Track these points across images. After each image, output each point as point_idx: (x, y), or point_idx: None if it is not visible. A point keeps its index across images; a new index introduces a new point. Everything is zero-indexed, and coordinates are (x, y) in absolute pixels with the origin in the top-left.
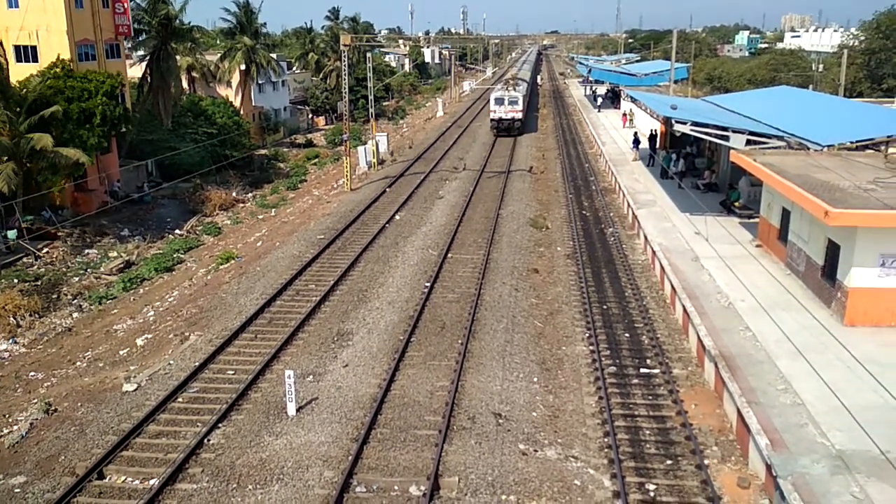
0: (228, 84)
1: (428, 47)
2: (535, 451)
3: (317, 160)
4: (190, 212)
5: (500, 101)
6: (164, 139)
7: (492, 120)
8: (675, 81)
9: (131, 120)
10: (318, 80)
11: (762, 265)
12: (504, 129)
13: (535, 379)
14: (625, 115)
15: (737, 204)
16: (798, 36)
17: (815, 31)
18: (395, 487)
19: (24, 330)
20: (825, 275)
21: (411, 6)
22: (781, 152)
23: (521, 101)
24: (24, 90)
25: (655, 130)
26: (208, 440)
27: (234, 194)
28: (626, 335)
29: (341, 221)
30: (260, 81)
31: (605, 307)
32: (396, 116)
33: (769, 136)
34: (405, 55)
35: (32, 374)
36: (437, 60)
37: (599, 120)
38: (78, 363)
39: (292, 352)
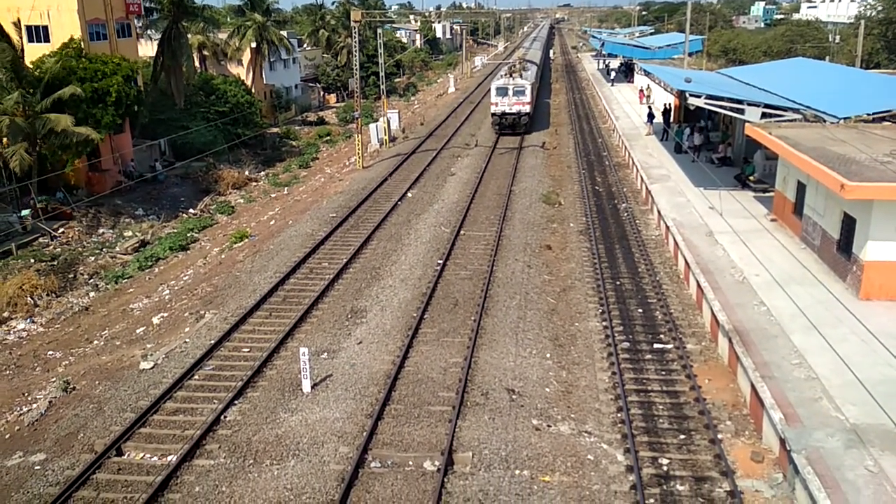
0: (240, 62)
1: (439, 22)
2: (549, 426)
3: (328, 138)
4: (203, 191)
5: (503, 92)
6: (177, 118)
7: (493, 115)
8: (690, 54)
9: (143, 102)
10: (329, 58)
11: (777, 239)
12: (508, 125)
13: (549, 355)
14: (641, 91)
15: (752, 178)
16: (814, 6)
17: (832, 1)
18: (410, 463)
19: (41, 309)
20: (840, 248)
21: None
22: (797, 125)
23: (528, 91)
24: (38, 70)
25: (669, 104)
26: (225, 417)
27: (246, 173)
28: (640, 311)
29: (354, 199)
30: (271, 59)
31: (618, 283)
32: (408, 93)
33: (785, 109)
34: (416, 31)
35: (50, 353)
36: (448, 36)
37: (613, 94)
38: (95, 342)
39: (307, 329)
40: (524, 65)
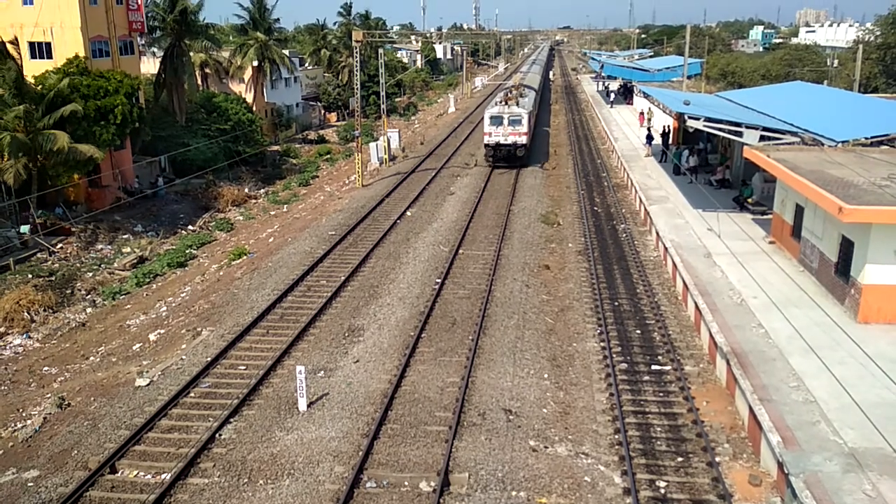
0: (241, 80)
1: (440, 43)
2: (546, 447)
3: (329, 156)
4: (202, 208)
5: (497, 120)
6: (178, 135)
7: (486, 145)
8: (689, 77)
9: (145, 119)
10: (331, 77)
11: (775, 262)
12: (502, 157)
13: (546, 375)
14: (642, 114)
15: (750, 200)
16: (813, 31)
17: (831, 25)
18: (406, 483)
19: (38, 325)
20: (839, 271)
21: (423, 2)
22: (795, 148)
23: (525, 120)
24: (41, 87)
25: (668, 126)
26: (220, 435)
27: (246, 190)
28: (638, 332)
29: (353, 217)
30: (272, 77)
31: (616, 304)
32: (408, 112)
33: (783, 132)
34: (417, 51)
35: (46, 368)
36: (449, 56)
37: (612, 116)
38: (91, 358)
39: (303, 347)
40: (521, 90)
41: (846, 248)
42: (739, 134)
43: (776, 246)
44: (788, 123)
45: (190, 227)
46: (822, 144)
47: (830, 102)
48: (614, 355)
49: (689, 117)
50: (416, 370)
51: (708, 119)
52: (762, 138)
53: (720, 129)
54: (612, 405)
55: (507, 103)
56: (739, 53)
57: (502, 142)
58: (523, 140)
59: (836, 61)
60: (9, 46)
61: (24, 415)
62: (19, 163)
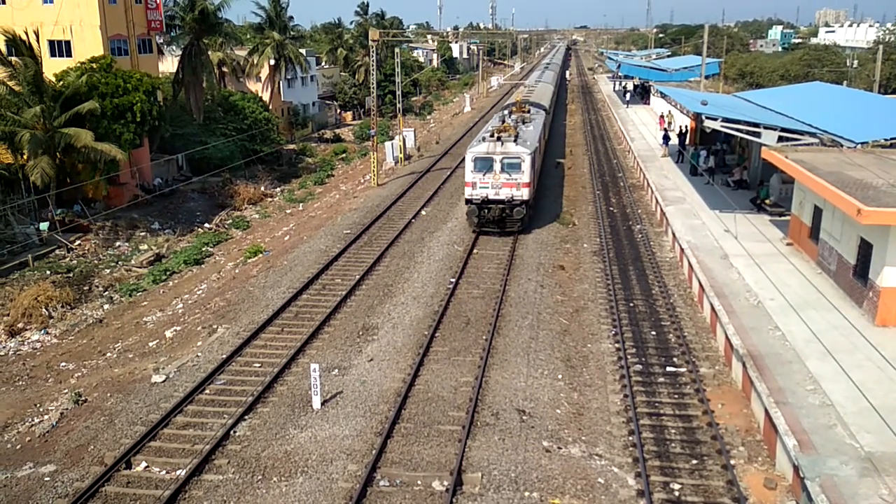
0: (258, 79)
1: (456, 42)
2: (559, 448)
3: (344, 155)
4: (219, 206)
5: (484, 164)
6: (195, 133)
7: (468, 201)
8: (707, 77)
9: (164, 117)
10: (347, 76)
11: (792, 264)
12: (492, 220)
13: (560, 376)
14: (662, 117)
15: (767, 201)
16: (832, 31)
17: (850, 26)
18: (419, 482)
19: (55, 321)
20: (857, 274)
21: (440, 1)
22: (814, 149)
23: (527, 164)
24: (60, 84)
25: (685, 126)
26: (234, 432)
27: (262, 189)
28: (653, 333)
29: (368, 216)
30: (289, 76)
31: (631, 305)
32: (424, 112)
33: (801, 133)
34: (433, 50)
35: (63, 364)
36: (465, 56)
37: (628, 116)
38: (108, 354)
39: (318, 345)
40: (524, 113)
41: (865, 250)
42: (757, 134)
43: (794, 248)
44: (807, 124)
45: (206, 224)
46: (841, 146)
47: (850, 103)
48: (629, 356)
49: (707, 117)
50: (430, 369)
51: (725, 119)
52: (780, 139)
53: (738, 130)
54: (627, 406)
55: (499, 138)
56: (758, 53)
57: (492, 196)
58: (523, 194)
59: (855, 62)
60: (32, 42)
61: (41, 410)
62: (44, 161)
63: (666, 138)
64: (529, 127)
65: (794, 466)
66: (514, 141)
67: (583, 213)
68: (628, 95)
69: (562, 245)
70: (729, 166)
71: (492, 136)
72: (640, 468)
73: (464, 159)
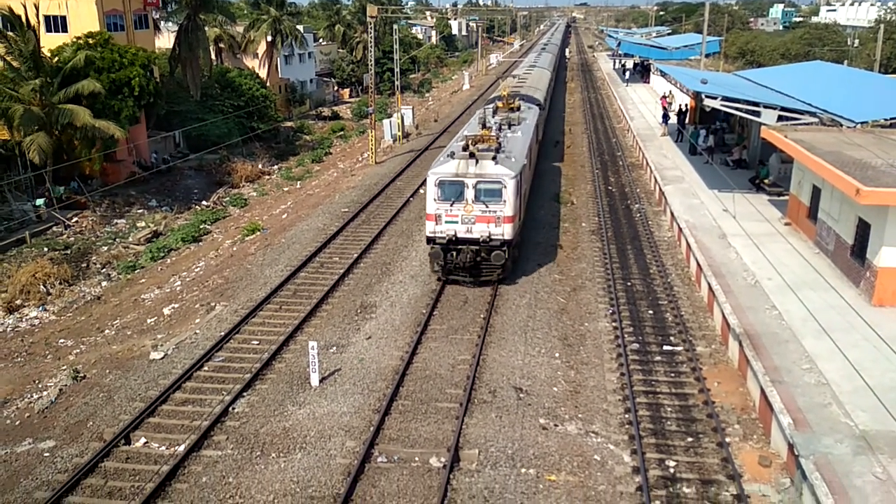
0: (255, 55)
1: (455, 19)
2: (556, 425)
3: (342, 133)
4: (216, 183)
5: (452, 190)
6: (192, 110)
7: (429, 240)
8: (707, 55)
9: (160, 92)
10: (345, 53)
11: (790, 243)
12: (460, 267)
13: (557, 354)
14: (664, 97)
15: (766, 181)
16: (834, 10)
17: (852, 4)
18: (416, 458)
19: (53, 298)
20: (854, 254)
21: None
22: (813, 129)
23: (511, 189)
24: (56, 59)
25: (685, 105)
26: (233, 408)
27: (259, 166)
28: (650, 312)
29: (366, 195)
30: (286, 53)
31: (629, 284)
32: (422, 89)
33: (801, 112)
34: (432, 27)
35: (62, 341)
36: (464, 33)
37: (628, 94)
38: (106, 331)
39: (316, 323)
40: (514, 108)
41: (863, 230)
42: (757, 114)
43: (792, 227)
44: (807, 103)
45: (204, 202)
46: (841, 125)
47: (850, 83)
48: (626, 335)
49: (707, 96)
50: (428, 347)
51: (725, 98)
52: (780, 118)
53: (737, 109)
54: (623, 385)
55: (472, 154)
56: (759, 32)
57: (462, 235)
58: (504, 232)
59: (856, 41)
60: (30, 17)
61: (39, 386)
62: (40, 138)
63: (665, 117)
64: (517, 133)
65: (788, 444)
66: (494, 158)
67: (581, 193)
68: (628, 74)
69: (560, 224)
70: (728, 146)
71: (464, 148)
72: (636, 445)
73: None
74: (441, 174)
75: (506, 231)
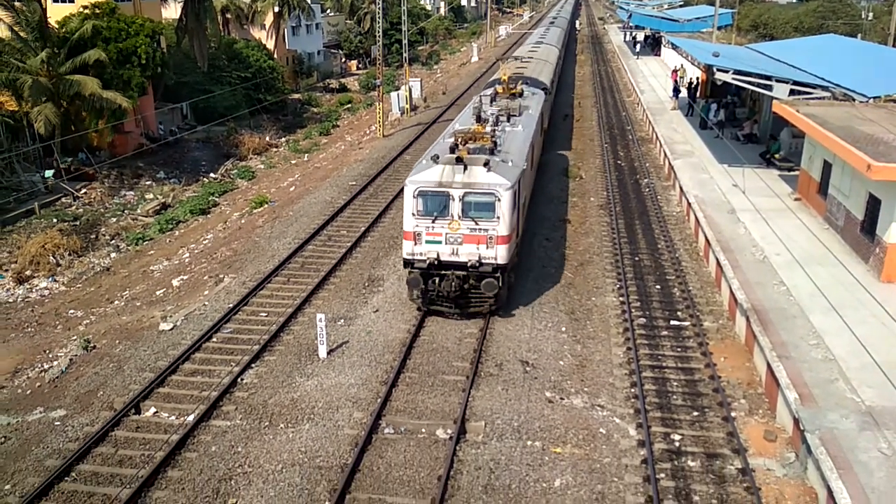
0: (262, 27)
1: None
2: (562, 398)
3: (349, 105)
4: (224, 155)
5: (435, 203)
6: (199, 82)
7: (406, 262)
8: (719, 28)
9: (167, 63)
10: (353, 24)
11: (800, 219)
12: (444, 297)
13: (564, 328)
14: (675, 71)
15: (777, 156)
16: None
17: None
18: (423, 430)
19: (63, 269)
20: (864, 230)
21: None
22: (826, 103)
23: (506, 200)
24: (63, 29)
25: (696, 79)
26: (242, 379)
27: (267, 139)
28: (658, 287)
29: (373, 168)
30: (293, 24)
31: (636, 259)
32: (430, 61)
33: (814, 87)
34: None
35: (72, 311)
36: (473, 4)
37: (638, 67)
38: (116, 302)
39: (324, 296)
40: (516, 94)
41: (873, 206)
42: (769, 87)
43: (802, 203)
44: (820, 77)
45: (212, 174)
46: (853, 100)
47: (863, 57)
48: (633, 310)
49: (718, 70)
50: (435, 320)
51: (737, 72)
52: (792, 92)
53: (749, 83)
54: (630, 359)
55: (459, 158)
56: (772, 4)
57: (446, 258)
58: (497, 255)
59: (870, 14)
60: None
61: (50, 356)
62: (47, 108)
63: (676, 91)
64: (517, 127)
65: (794, 419)
66: (487, 164)
67: (590, 167)
68: (638, 46)
69: (568, 199)
70: (739, 120)
71: (452, 149)
72: (642, 419)
73: None
74: (421, 183)
75: (499, 254)
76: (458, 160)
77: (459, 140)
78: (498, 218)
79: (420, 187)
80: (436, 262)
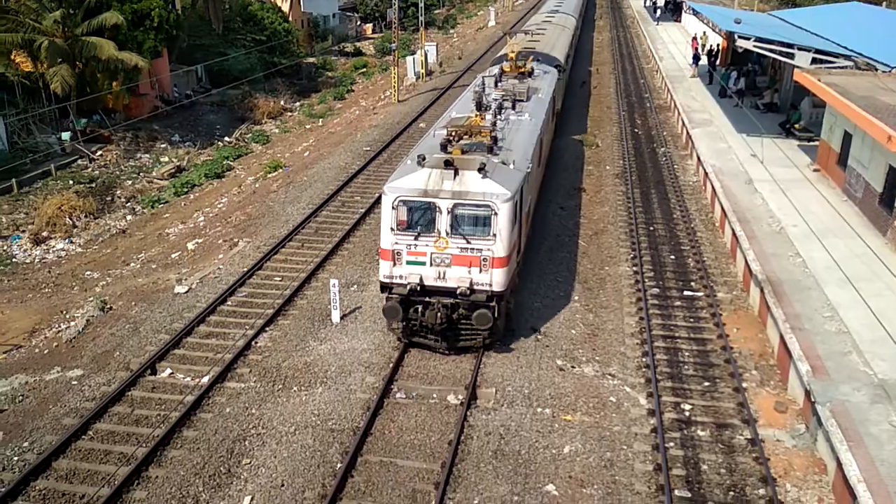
0: None
1: None
2: (573, 367)
3: (364, 70)
4: (239, 119)
5: (419, 216)
6: (214, 45)
7: (384, 287)
8: None
9: (182, 25)
10: None
11: (818, 190)
12: (428, 328)
13: (576, 297)
14: (695, 38)
15: (797, 126)
16: None
17: None
18: (434, 395)
19: (79, 230)
20: (883, 202)
21: None
22: (848, 72)
23: (505, 213)
24: None
25: (717, 46)
26: (256, 342)
27: (282, 103)
28: (672, 257)
29: (388, 133)
30: None
31: (651, 228)
32: (447, 25)
33: (836, 55)
34: None
35: (88, 273)
36: None
37: (657, 33)
38: (132, 264)
39: (337, 262)
40: (525, 73)
41: (892, 178)
42: (791, 56)
43: (821, 174)
44: (843, 46)
45: (226, 138)
46: (877, 70)
47: (888, 25)
48: (646, 280)
49: (740, 36)
50: None
51: (759, 39)
52: (814, 61)
53: (771, 51)
54: (642, 329)
55: (450, 161)
56: None
57: (431, 282)
58: (493, 280)
59: None
60: None
61: (67, 317)
62: (63, 69)
63: (696, 58)
64: (524, 116)
65: (805, 391)
66: (482, 169)
67: (607, 135)
68: (658, 12)
69: (584, 167)
70: (759, 88)
71: (443, 146)
72: (653, 388)
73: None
74: (402, 191)
75: (495, 279)
76: (448, 164)
77: (453, 135)
78: (494, 235)
79: (401, 196)
80: (418, 288)
